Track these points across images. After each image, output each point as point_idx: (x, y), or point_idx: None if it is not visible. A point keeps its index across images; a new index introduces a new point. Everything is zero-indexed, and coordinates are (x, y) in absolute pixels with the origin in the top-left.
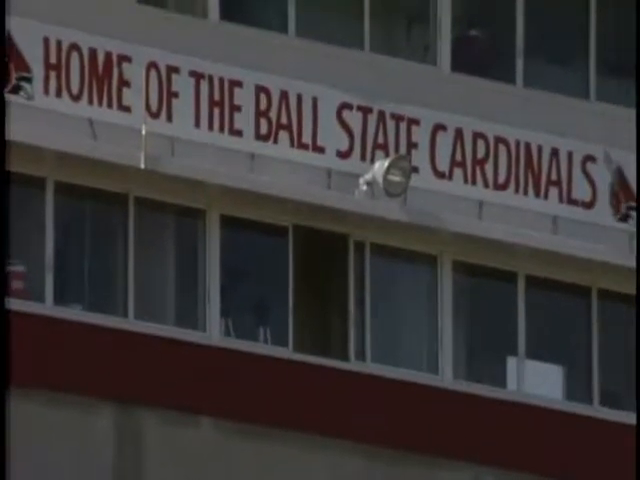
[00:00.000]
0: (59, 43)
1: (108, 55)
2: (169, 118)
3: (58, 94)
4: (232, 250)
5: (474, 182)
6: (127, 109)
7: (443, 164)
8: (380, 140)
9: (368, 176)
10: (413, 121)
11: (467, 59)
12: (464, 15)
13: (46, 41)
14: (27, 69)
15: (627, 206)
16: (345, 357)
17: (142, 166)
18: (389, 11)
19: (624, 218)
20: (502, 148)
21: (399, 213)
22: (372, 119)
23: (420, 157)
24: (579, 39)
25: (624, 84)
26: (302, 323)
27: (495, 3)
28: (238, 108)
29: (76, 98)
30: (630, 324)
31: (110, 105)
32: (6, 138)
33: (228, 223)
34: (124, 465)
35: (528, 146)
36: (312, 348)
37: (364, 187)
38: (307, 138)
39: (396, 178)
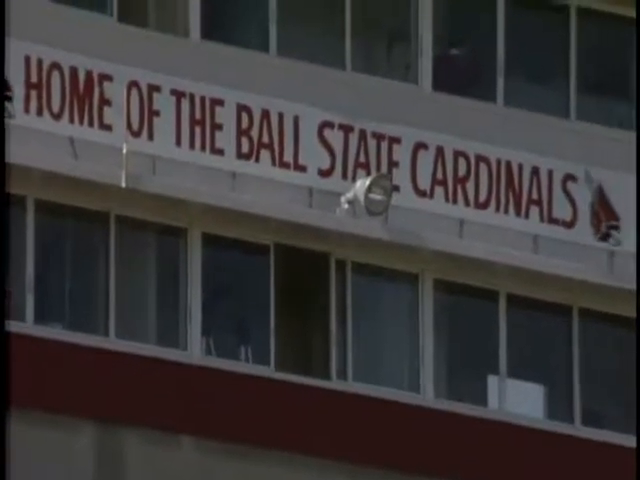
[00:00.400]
0: (40, 62)
1: (89, 74)
2: (150, 137)
3: (39, 113)
4: (214, 268)
5: (455, 201)
6: (108, 128)
7: (424, 183)
8: (361, 159)
9: (349, 195)
10: (394, 140)
11: (448, 78)
12: (445, 34)
13: (27, 60)
14: (7, 88)
15: (607, 225)
16: (327, 376)
17: (123, 185)
18: (370, 30)
19: (604, 237)
20: (483, 167)
21: (380, 231)
22: (353, 138)
23: (401, 176)
24: (559, 58)
25: (604, 103)
26: (284, 342)
27: (476, 22)
28: (219, 127)
29: (57, 117)
30: (611, 342)
31: (91, 124)
32: None
33: (210, 241)
34: None
35: (509, 165)
36: (294, 367)
37: (345, 206)
38: (289, 157)
39: (377, 197)
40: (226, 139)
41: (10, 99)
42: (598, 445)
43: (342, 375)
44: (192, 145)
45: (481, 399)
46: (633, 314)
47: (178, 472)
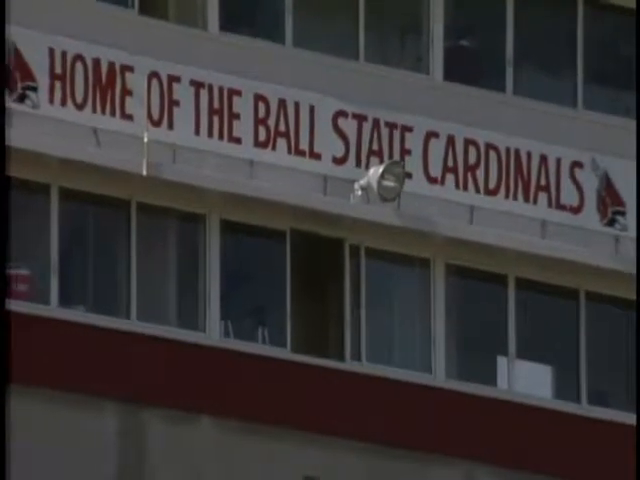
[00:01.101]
0: (64, 54)
1: (111, 65)
2: (170, 126)
3: (63, 103)
4: (232, 254)
5: (466, 187)
6: (130, 117)
7: (435, 170)
8: (375, 147)
9: (363, 182)
10: (406, 128)
11: (459, 68)
12: (455, 26)
13: (51, 52)
14: (33, 79)
15: (613, 210)
16: (341, 357)
17: (144, 173)
18: (383, 23)
19: (610, 222)
20: (492, 154)
21: (393, 218)
22: (367, 127)
23: (413, 163)
24: (567, 49)
25: (610, 92)
26: (299, 324)
27: (485, 14)
28: (237, 116)
29: (80, 107)
30: (616, 325)
31: (113, 113)
32: (11, 145)
33: (228, 228)
34: (128, 462)
35: (518, 152)
36: (309, 349)
37: (359, 192)
38: (304, 145)
39: (390, 183)
40: (244, 128)
41: (35, 89)
42: (604, 423)
43: (356, 357)
44: (211, 134)
45: (491, 379)
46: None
47: (198, 449)
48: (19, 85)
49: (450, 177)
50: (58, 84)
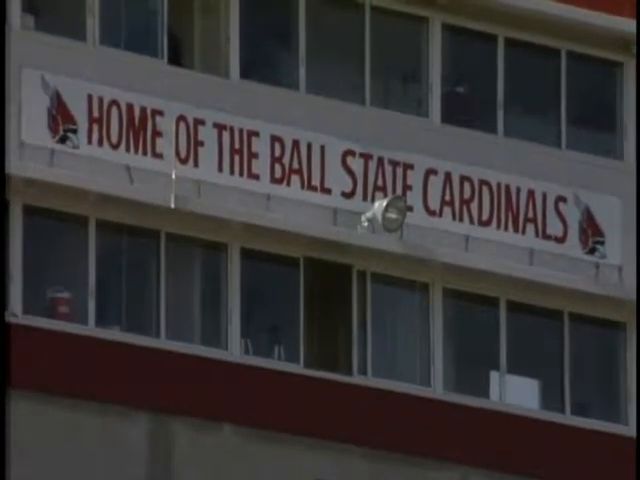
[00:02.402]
0: (101, 99)
1: (143, 110)
2: (196, 164)
3: (100, 143)
4: (251, 279)
5: (461, 219)
6: (159, 156)
7: (434, 203)
8: (379, 183)
9: (369, 214)
10: (408, 166)
11: (455, 112)
12: (451, 74)
13: (90, 98)
14: (73, 122)
15: (593, 240)
16: (349, 372)
17: (172, 205)
18: (387, 71)
19: (591, 251)
20: (485, 190)
21: (396, 246)
22: (372, 164)
23: (414, 197)
24: (552, 95)
25: (591, 134)
26: (312, 342)
27: (478, 64)
28: (256, 155)
29: (115, 147)
30: (597, 343)
31: (145, 153)
32: (54, 181)
33: (247, 255)
34: (156, 466)
35: (508, 188)
36: (320, 364)
37: (365, 224)
38: (316, 181)
39: (393, 216)
40: (261, 166)
41: (75, 131)
42: (586, 432)
43: (362, 371)
44: (232, 171)
45: (484, 392)
46: (617, 318)
47: (220, 454)
48: (61, 127)
49: (447, 210)
50: (96, 126)
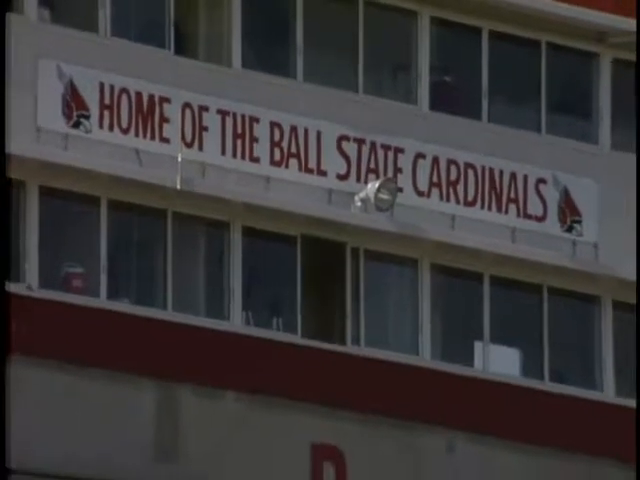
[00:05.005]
0: (112, 87)
1: (151, 97)
2: (200, 148)
3: (111, 128)
4: (251, 255)
5: (448, 200)
6: (166, 140)
7: (423, 185)
8: (372, 165)
9: (362, 194)
10: (398, 150)
11: (442, 100)
12: (439, 65)
13: (101, 86)
14: (86, 108)
15: (571, 219)
16: (343, 342)
17: (178, 187)
18: (379, 61)
19: (569, 229)
20: (470, 172)
21: (387, 225)
22: (365, 148)
23: (404, 179)
24: (533, 84)
25: (568, 120)
26: (308, 315)
27: (464, 55)
28: (256, 140)
29: (125, 132)
30: (574, 315)
31: (153, 137)
32: (69, 164)
33: (248, 233)
34: (164, 431)
35: (492, 171)
36: (316, 335)
37: (359, 204)
38: (312, 164)
39: (385, 196)
40: (261, 149)
41: (87, 117)
42: (563, 398)
43: (356, 341)
44: (234, 154)
45: (469, 361)
46: (592, 292)
47: (223, 419)
48: (74, 113)
49: (435, 191)
50: (107, 113)
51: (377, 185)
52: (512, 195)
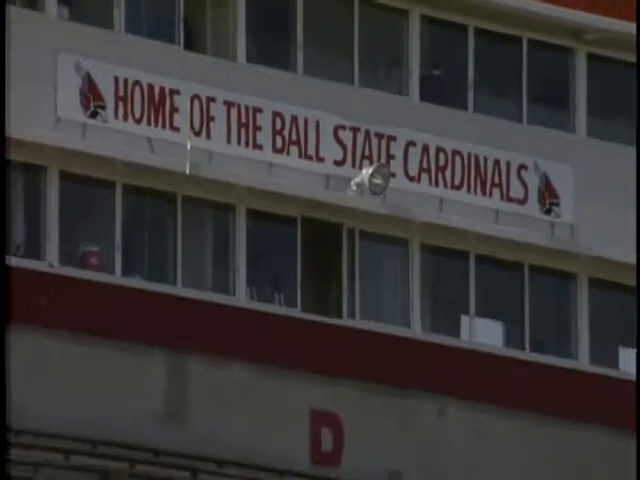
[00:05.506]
0: (126, 80)
1: (162, 89)
2: (208, 136)
3: (125, 118)
4: (255, 235)
5: (437, 184)
6: (176, 129)
7: (413, 170)
8: (366, 153)
9: (357, 179)
10: (391, 138)
11: (431, 92)
12: (429, 59)
13: (116, 79)
14: (102, 100)
15: (550, 202)
16: (340, 315)
17: (187, 172)
18: (373, 56)
19: (548, 212)
20: (457, 158)
21: (380, 207)
22: (360, 137)
23: (396, 165)
24: (515, 77)
25: (548, 111)
26: (308, 290)
27: (452, 50)
28: (259, 128)
29: (138, 121)
30: (552, 290)
31: (164, 126)
32: (86, 151)
33: (252, 215)
34: (174, 398)
35: (477, 157)
36: (315, 309)
37: (354, 188)
38: (311, 151)
39: (378, 181)
40: (264, 138)
41: (104, 108)
42: (542, 366)
43: (351, 315)
44: (239, 142)
45: (456, 332)
46: (569, 269)
47: (229, 387)
48: (91, 104)
49: (425, 176)
50: (121, 104)
51: (371, 170)
52: (496, 180)
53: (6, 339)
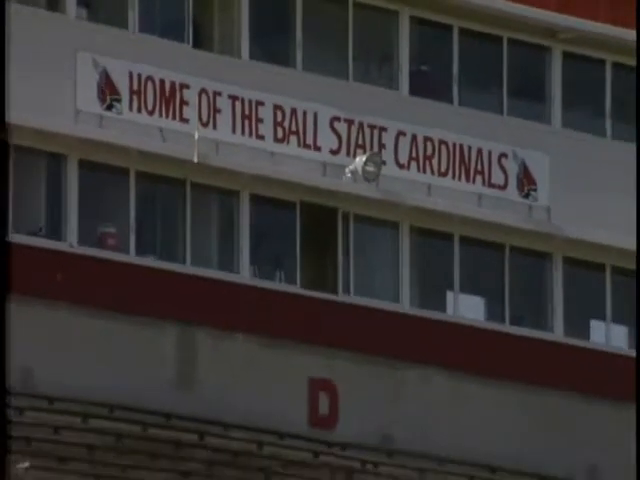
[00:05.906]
0: (139, 75)
1: (172, 84)
2: (214, 127)
3: (138, 110)
4: (258, 218)
5: (425, 171)
6: (186, 120)
7: (403, 159)
8: (360, 142)
9: (352, 167)
10: (383, 129)
11: (420, 86)
12: (417, 56)
13: (130, 74)
14: (117, 93)
15: (528, 188)
16: (335, 292)
17: (195, 160)
18: (366, 53)
19: (526, 196)
20: (444, 148)
21: (373, 193)
22: (354, 128)
23: (387, 154)
24: (496, 73)
25: (526, 104)
26: (306, 269)
27: (438, 48)
28: (261, 120)
29: (151, 113)
30: (530, 269)
31: (174, 118)
32: (103, 140)
33: (255, 200)
34: (183, 368)
35: (461, 146)
36: (313, 286)
37: (349, 175)
38: (309, 140)
39: (371, 168)
40: (266, 129)
41: (119, 101)
42: (520, 338)
43: (346, 291)
44: (243, 133)
45: (442, 307)
46: (545, 249)
47: (234, 358)
48: (108, 98)
49: (413, 164)
50: (135, 97)
51: (364, 159)
52: (479, 167)
53: (27, 313)
